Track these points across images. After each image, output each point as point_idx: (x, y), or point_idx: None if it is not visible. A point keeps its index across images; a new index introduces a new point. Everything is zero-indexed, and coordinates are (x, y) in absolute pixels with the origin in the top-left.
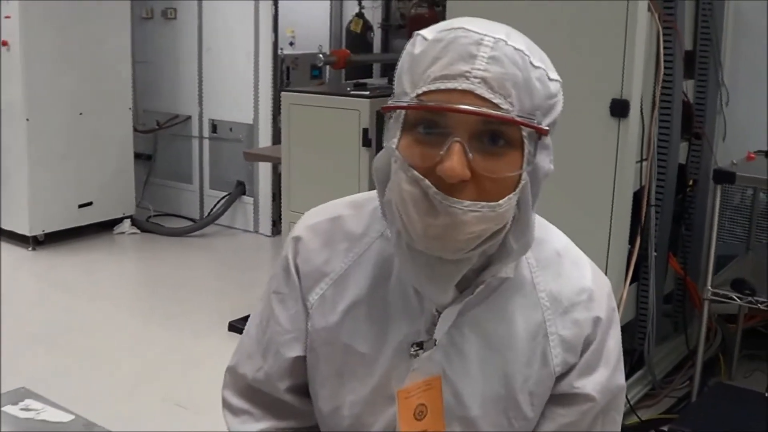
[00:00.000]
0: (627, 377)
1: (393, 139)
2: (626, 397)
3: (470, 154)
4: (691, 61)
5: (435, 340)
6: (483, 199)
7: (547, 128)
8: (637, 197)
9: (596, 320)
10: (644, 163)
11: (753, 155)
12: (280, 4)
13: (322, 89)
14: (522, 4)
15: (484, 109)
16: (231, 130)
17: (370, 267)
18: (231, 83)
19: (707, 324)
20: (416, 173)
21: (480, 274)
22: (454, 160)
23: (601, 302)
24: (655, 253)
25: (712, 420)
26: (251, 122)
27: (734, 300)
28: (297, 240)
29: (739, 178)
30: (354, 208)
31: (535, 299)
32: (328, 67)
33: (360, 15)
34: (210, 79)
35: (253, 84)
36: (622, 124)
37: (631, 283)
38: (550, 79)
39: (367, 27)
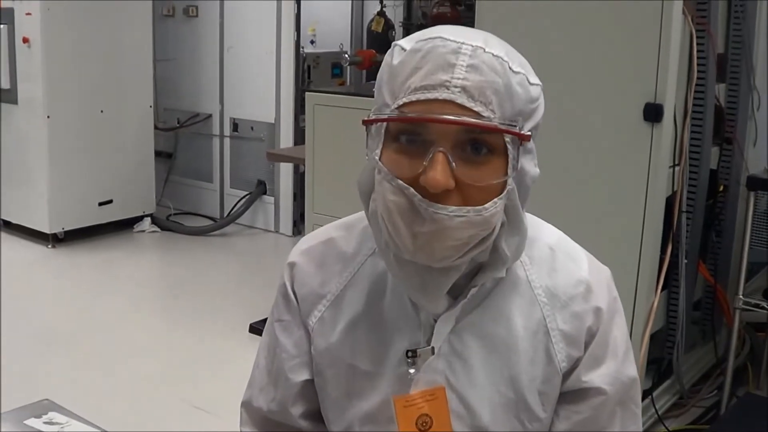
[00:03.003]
0: (655, 387)
1: (376, 150)
2: (654, 406)
3: (453, 164)
4: (722, 65)
5: (432, 348)
6: (468, 206)
7: (529, 133)
8: (668, 203)
9: (597, 310)
10: (676, 169)
11: None
12: (302, 2)
13: (347, 90)
14: (554, 6)
15: (465, 119)
16: (252, 128)
17: (365, 284)
18: (252, 82)
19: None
20: (401, 182)
21: (472, 279)
22: (438, 171)
23: (600, 292)
24: (685, 260)
25: None
26: (273, 121)
27: (767, 309)
28: (292, 266)
29: None
30: (345, 229)
31: (531, 297)
32: (349, 66)
33: (381, 14)
34: (231, 78)
35: (275, 83)
36: (656, 129)
37: (661, 291)
38: (531, 84)
39: (389, 26)
